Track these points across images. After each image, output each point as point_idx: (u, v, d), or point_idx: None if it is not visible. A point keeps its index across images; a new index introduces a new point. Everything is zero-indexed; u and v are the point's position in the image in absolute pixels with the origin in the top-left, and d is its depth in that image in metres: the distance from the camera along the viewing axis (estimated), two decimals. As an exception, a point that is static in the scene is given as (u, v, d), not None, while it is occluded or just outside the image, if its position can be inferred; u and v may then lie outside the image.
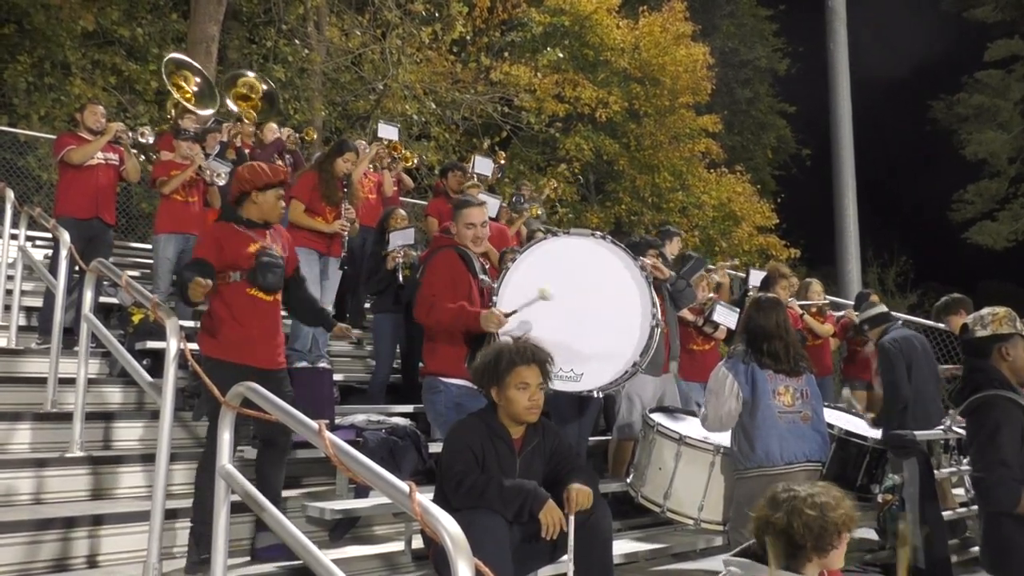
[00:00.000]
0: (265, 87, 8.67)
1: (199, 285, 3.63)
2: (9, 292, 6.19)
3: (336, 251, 6.24)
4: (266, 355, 3.96)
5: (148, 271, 7.38)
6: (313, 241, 6.06)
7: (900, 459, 4.72)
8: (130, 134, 6.69)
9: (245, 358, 3.86)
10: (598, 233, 4.35)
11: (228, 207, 4.24)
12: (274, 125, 8.36)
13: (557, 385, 4.10)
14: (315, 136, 9.33)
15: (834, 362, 8.32)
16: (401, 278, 6.12)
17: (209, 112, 8.20)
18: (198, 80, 8.30)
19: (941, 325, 6.56)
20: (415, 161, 10.19)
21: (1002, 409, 3.46)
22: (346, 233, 6.20)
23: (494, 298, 4.19)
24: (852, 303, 8.67)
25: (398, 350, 6.45)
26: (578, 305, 4.16)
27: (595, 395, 4.32)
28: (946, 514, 4.81)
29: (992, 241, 24.13)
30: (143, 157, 6.84)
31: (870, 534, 5.14)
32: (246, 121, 7.79)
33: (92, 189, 6.38)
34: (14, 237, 6.70)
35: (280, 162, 7.82)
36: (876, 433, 5.09)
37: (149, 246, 7.97)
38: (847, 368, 7.92)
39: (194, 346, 4.03)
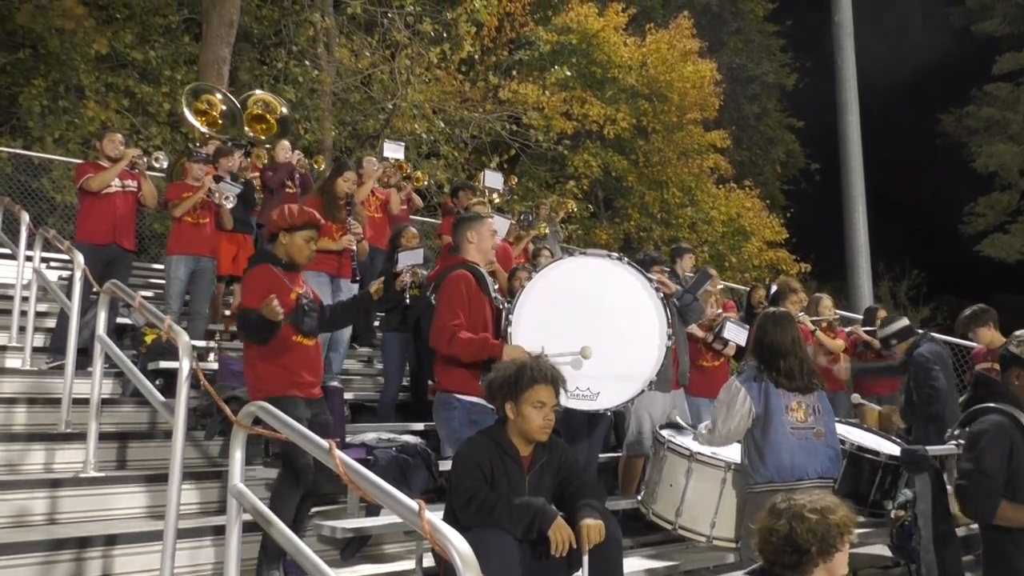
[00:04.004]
0: (284, 109, 8.71)
1: (271, 303, 3.79)
2: (24, 313, 6.25)
3: (346, 272, 6.27)
4: (312, 391, 4.21)
5: (161, 291, 7.45)
6: (322, 263, 6.10)
7: (912, 474, 4.69)
8: (145, 159, 6.77)
9: (291, 391, 4.07)
10: (614, 254, 4.38)
11: (263, 249, 4.37)
12: (286, 143, 8.36)
13: (573, 404, 4.11)
14: (324, 165, 9.37)
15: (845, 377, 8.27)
16: (408, 298, 6.14)
17: (233, 133, 8.26)
18: (220, 97, 8.34)
19: (954, 339, 6.54)
20: (426, 182, 10.25)
21: (991, 421, 3.49)
22: (355, 248, 6.23)
23: (510, 317, 4.21)
24: (861, 318, 8.64)
25: (407, 368, 6.46)
26: (595, 325, 4.19)
27: (609, 413, 4.34)
28: (959, 530, 4.77)
29: (1005, 254, 24.00)
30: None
31: (883, 551, 5.10)
32: (254, 157, 7.86)
33: (110, 216, 6.49)
34: (29, 259, 6.77)
35: (290, 183, 7.87)
36: (888, 448, 5.06)
37: (162, 266, 8.04)
38: (857, 384, 7.88)
39: (206, 366, 4.07)
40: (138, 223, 11.85)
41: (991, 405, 3.57)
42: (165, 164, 7.08)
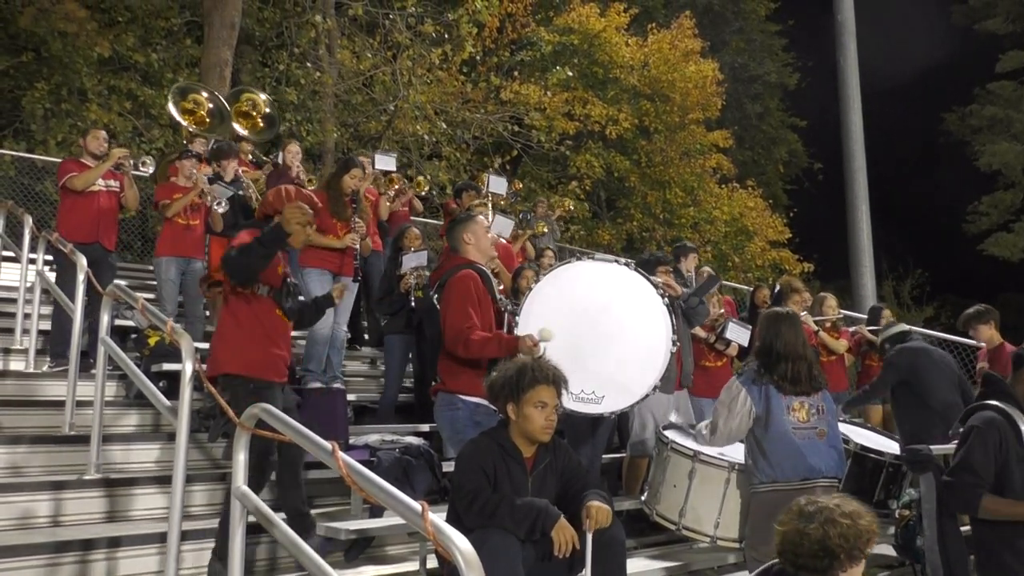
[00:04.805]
0: (268, 109, 8.65)
1: (301, 204, 3.82)
2: (27, 316, 6.26)
3: (348, 270, 6.25)
4: (283, 371, 4.16)
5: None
6: (325, 260, 6.08)
7: (917, 474, 4.69)
8: (131, 161, 6.73)
9: (270, 375, 4.00)
10: (622, 260, 4.39)
11: (253, 221, 4.30)
12: (296, 147, 8.23)
13: (577, 407, 4.11)
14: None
15: (849, 377, 8.26)
16: (413, 301, 6.14)
17: (221, 132, 8.23)
18: (206, 95, 8.32)
19: (958, 338, 6.51)
20: (426, 189, 10.23)
21: (982, 417, 3.52)
22: (358, 247, 6.22)
23: (516, 318, 4.21)
24: (866, 317, 8.62)
25: (409, 370, 6.46)
26: (602, 329, 4.21)
27: (612, 416, 4.34)
28: (964, 529, 4.76)
29: (1009, 253, 23.94)
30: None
31: (888, 550, 5.09)
32: (241, 152, 7.83)
33: (93, 214, 6.46)
34: (32, 261, 6.78)
35: None
36: (892, 447, 5.06)
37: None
38: (861, 383, 7.86)
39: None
40: (142, 225, 11.97)
41: (989, 403, 3.60)
42: (152, 169, 7.05)
